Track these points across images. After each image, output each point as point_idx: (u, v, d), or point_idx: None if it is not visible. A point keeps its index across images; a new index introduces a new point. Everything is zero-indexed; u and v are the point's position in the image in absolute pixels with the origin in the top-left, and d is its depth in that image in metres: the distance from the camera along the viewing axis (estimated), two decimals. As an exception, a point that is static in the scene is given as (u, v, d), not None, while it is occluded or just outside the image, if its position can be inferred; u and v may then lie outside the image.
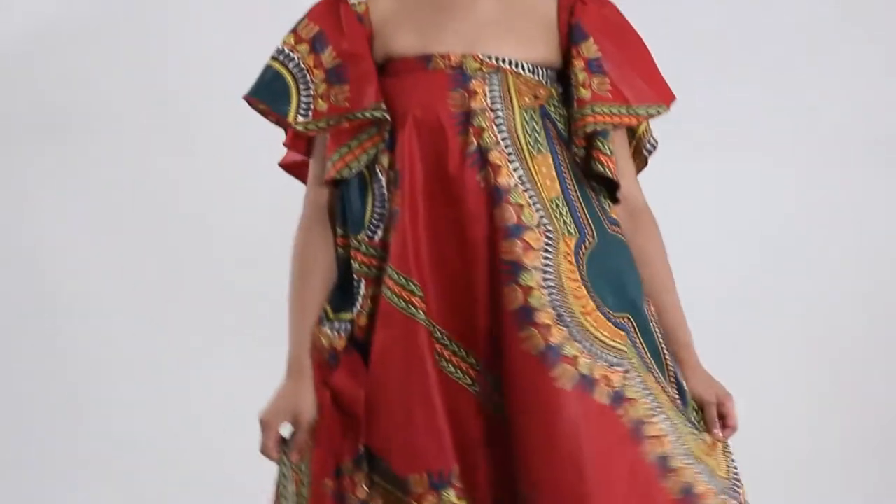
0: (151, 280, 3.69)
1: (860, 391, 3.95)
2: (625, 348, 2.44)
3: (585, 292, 2.44)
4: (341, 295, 2.51)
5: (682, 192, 3.57)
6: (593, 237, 2.49)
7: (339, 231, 2.52)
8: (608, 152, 2.52)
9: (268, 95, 2.53)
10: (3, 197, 3.60)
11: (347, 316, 2.49)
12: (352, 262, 2.49)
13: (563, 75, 2.56)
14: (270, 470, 2.56)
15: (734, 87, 3.71)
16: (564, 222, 2.46)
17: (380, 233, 2.48)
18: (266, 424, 2.50)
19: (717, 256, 3.83)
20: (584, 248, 2.47)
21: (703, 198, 3.79)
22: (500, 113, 2.47)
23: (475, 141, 2.45)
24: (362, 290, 2.48)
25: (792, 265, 3.88)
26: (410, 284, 2.43)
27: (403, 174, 2.46)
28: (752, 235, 3.88)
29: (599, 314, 2.44)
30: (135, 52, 3.57)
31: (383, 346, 2.44)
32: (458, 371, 2.45)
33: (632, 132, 2.62)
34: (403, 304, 2.43)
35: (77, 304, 3.71)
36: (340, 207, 2.52)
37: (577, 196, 2.50)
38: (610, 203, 2.55)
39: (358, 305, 2.48)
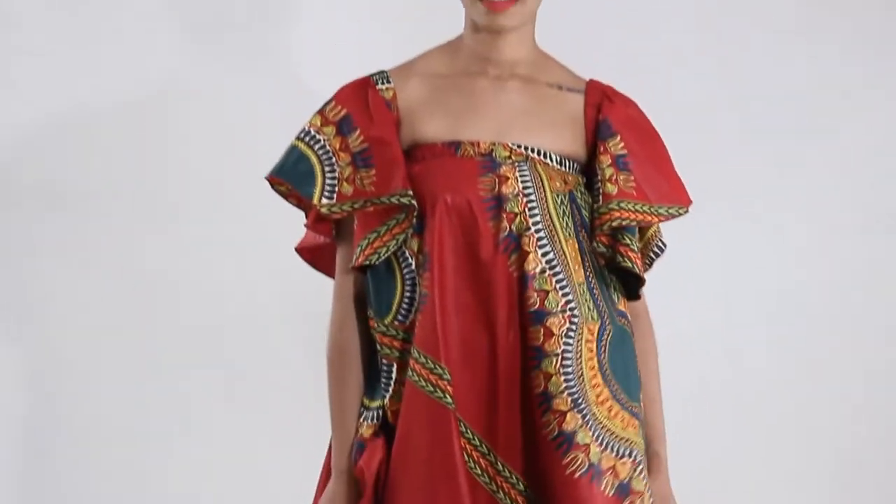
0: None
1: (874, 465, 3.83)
2: (635, 439, 2.47)
3: (601, 380, 2.45)
4: (370, 381, 2.49)
5: (685, 270, 3.52)
6: (611, 325, 2.49)
7: (369, 313, 2.49)
8: (635, 249, 2.53)
9: (292, 176, 2.51)
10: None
11: (377, 403, 2.47)
12: (378, 345, 2.47)
13: (585, 169, 2.56)
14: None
15: (735, 157, 3.68)
16: (588, 308, 2.47)
17: (411, 316, 2.45)
18: None
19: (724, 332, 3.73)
20: (606, 334, 2.48)
21: (706, 272, 3.71)
22: (532, 197, 2.47)
23: (508, 226, 2.45)
24: (394, 375, 2.46)
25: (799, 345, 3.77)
26: (438, 368, 2.41)
27: (433, 258, 2.43)
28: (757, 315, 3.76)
29: (615, 402, 2.45)
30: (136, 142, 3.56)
31: (408, 427, 2.41)
32: (486, 475, 2.43)
33: (641, 233, 2.62)
34: (431, 387, 2.41)
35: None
36: (367, 292, 2.49)
37: (596, 284, 2.51)
38: (619, 296, 2.55)
39: (390, 390, 2.45)
